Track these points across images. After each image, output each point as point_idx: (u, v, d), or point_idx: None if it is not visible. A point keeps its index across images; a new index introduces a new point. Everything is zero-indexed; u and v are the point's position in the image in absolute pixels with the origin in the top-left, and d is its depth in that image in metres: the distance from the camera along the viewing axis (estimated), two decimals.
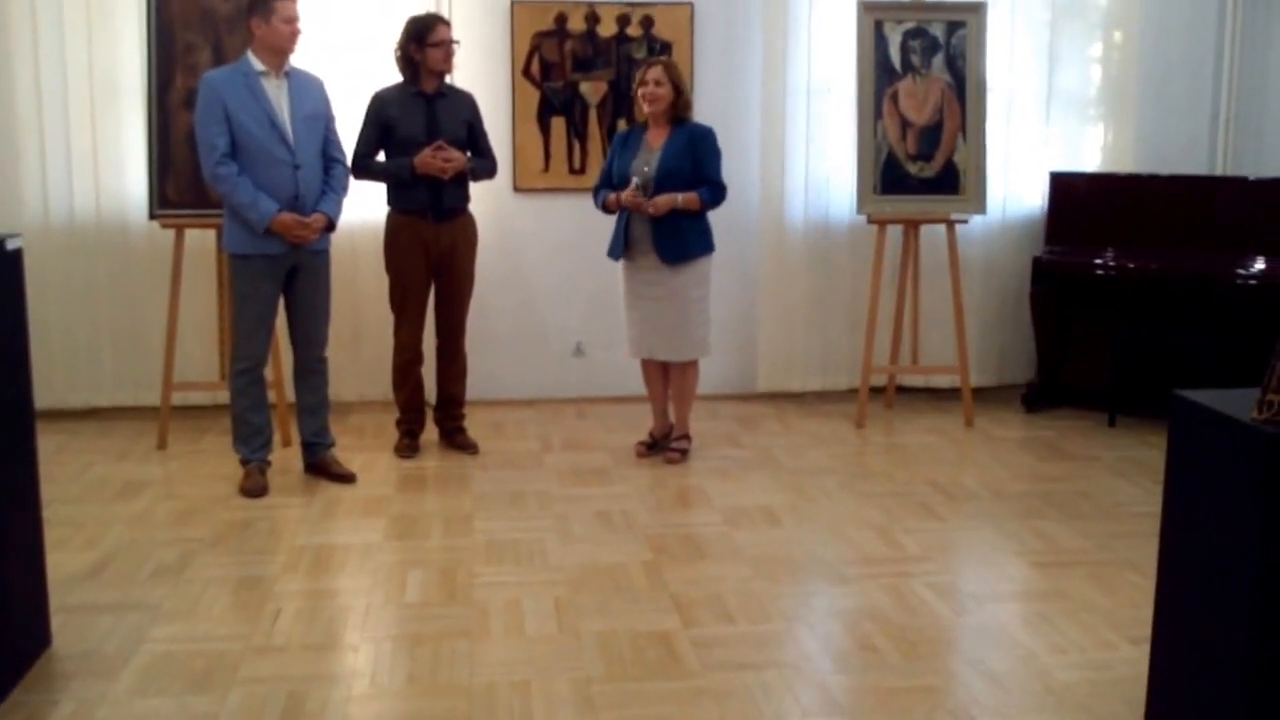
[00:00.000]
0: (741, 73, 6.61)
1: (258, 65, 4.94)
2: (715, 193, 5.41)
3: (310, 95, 5.07)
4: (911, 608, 3.93)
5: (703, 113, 6.21)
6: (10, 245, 3.36)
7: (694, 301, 5.45)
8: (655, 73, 5.35)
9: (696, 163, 5.36)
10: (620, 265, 5.53)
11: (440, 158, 5.32)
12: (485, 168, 5.59)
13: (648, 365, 5.66)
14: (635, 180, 5.32)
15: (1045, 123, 6.79)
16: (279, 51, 4.94)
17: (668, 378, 5.65)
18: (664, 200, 5.28)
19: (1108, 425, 6.24)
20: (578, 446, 5.86)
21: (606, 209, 5.47)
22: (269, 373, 5.32)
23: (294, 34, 4.93)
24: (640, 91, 5.38)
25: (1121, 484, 5.31)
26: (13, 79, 6.03)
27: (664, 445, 5.70)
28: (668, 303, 5.43)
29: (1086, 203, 6.51)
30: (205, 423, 6.13)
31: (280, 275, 5.04)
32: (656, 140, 5.41)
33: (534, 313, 6.64)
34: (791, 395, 6.84)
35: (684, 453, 5.64)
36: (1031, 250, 6.62)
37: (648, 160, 5.38)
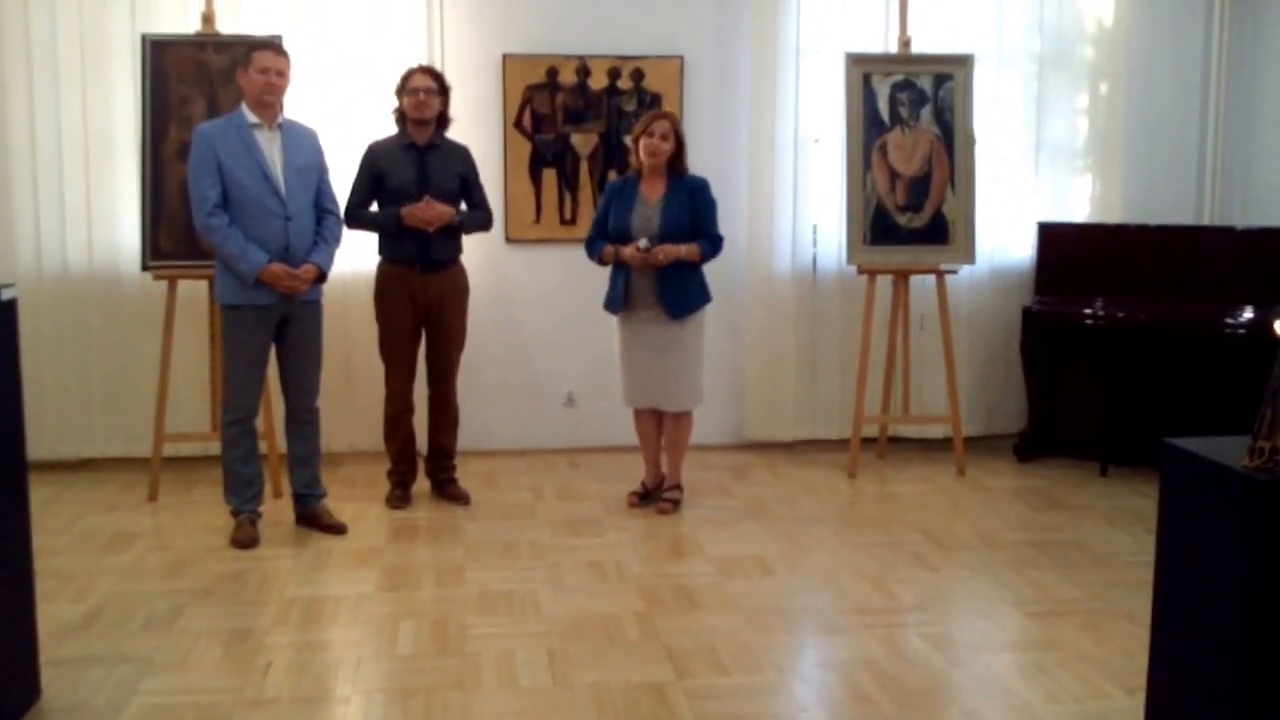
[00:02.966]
0: (731, 124, 6.67)
1: (250, 118, 4.98)
2: (714, 245, 5.46)
3: (303, 147, 5.10)
4: (906, 658, 3.92)
5: (694, 164, 6.25)
6: (5, 296, 3.37)
7: (693, 352, 5.48)
8: (663, 126, 5.37)
9: (695, 215, 5.40)
10: (616, 317, 5.53)
11: (426, 211, 5.34)
12: (478, 220, 5.62)
13: (642, 415, 5.66)
14: (644, 242, 5.31)
15: (1034, 174, 6.85)
16: (257, 102, 4.98)
17: (661, 428, 5.65)
18: (669, 250, 5.30)
19: (1100, 474, 6.25)
20: (570, 497, 5.85)
21: (604, 262, 5.47)
22: (260, 423, 5.31)
23: (268, 85, 4.96)
24: (644, 144, 5.37)
25: (1114, 533, 5.31)
26: (8, 129, 6.07)
27: (656, 496, 5.69)
28: (669, 354, 5.45)
29: (1075, 253, 6.55)
30: (197, 474, 6.11)
31: (271, 326, 5.05)
32: (652, 193, 5.43)
33: (526, 363, 6.65)
34: (783, 445, 6.84)
35: (676, 503, 5.62)
36: (1021, 300, 6.66)
37: (645, 214, 5.39)
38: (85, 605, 4.37)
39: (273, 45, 5.23)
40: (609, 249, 5.41)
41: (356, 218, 5.48)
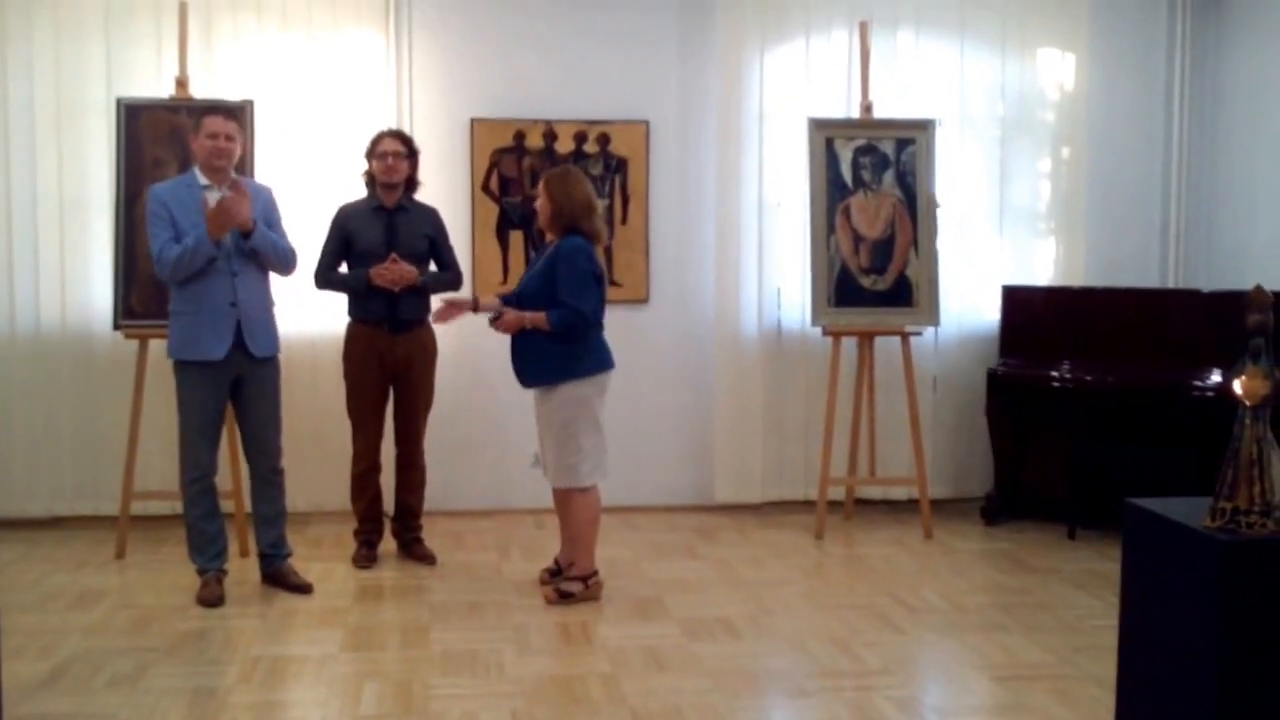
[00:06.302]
0: (696, 187, 6.76)
1: (202, 179, 5.04)
2: (565, 316, 4.97)
3: (253, 205, 5.06)
4: None
5: (657, 226, 6.36)
6: None
7: (558, 429, 5.06)
8: (539, 187, 5.21)
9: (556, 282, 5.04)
10: None
11: (393, 270, 5.36)
12: (444, 280, 5.65)
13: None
14: (495, 298, 5.27)
15: (997, 236, 6.95)
16: (207, 165, 5.04)
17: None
18: (511, 319, 5.05)
19: (1067, 537, 6.28)
20: (536, 557, 5.82)
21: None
22: (227, 482, 5.29)
23: (216, 149, 5.02)
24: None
25: (1082, 596, 5.33)
26: (2, 192, 6.17)
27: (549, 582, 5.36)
28: (540, 424, 5.20)
29: (1040, 316, 6.63)
30: (165, 532, 6.08)
31: (223, 384, 5.05)
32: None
33: (493, 423, 6.65)
34: (749, 506, 6.85)
35: (563, 594, 5.13)
36: (986, 362, 6.72)
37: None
38: (50, 663, 4.33)
39: (222, 110, 5.34)
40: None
41: (326, 279, 5.52)
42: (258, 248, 5.01)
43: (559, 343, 5.00)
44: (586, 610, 5.04)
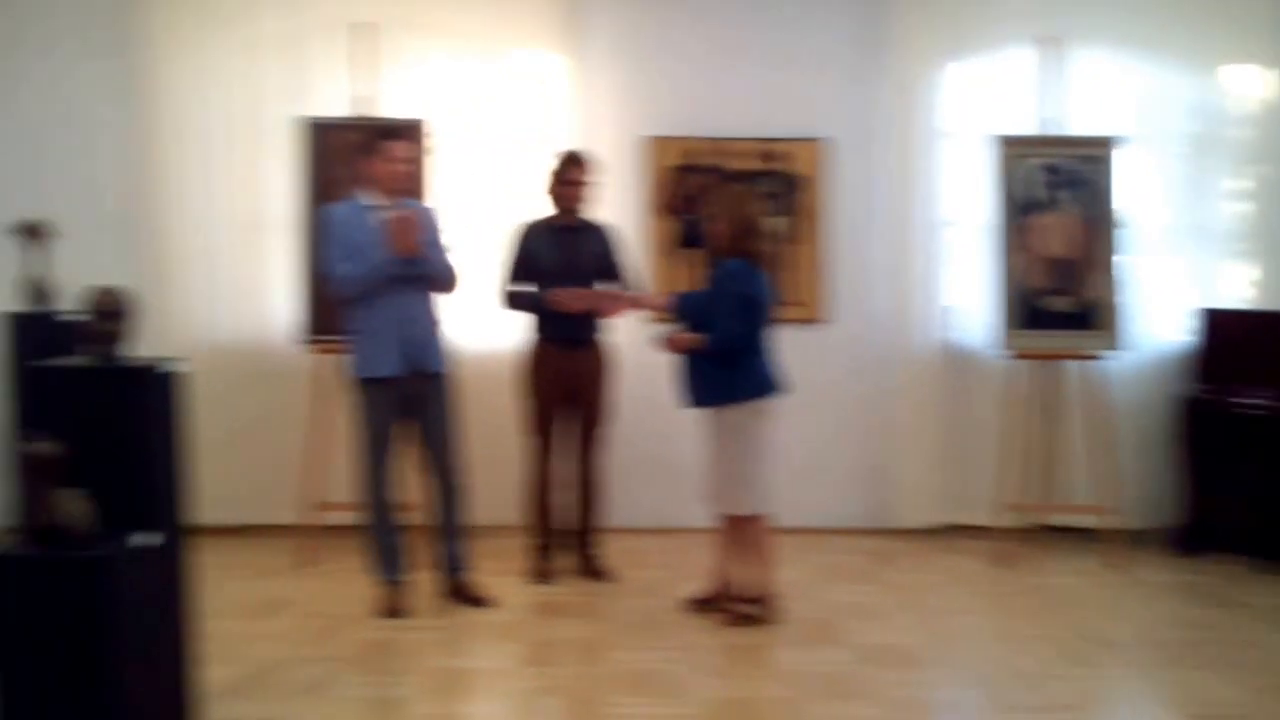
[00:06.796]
0: (873, 205, 6.65)
1: (370, 200, 5.13)
2: (718, 340, 4.97)
3: (422, 226, 5.14)
4: None
5: (834, 245, 6.31)
6: (176, 369, 3.52)
7: (717, 454, 5.06)
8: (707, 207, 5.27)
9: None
10: None
11: (570, 296, 5.40)
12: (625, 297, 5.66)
13: None
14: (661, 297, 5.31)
15: (1187, 257, 6.65)
16: (387, 190, 5.12)
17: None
18: (675, 340, 5.08)
19: (1262, 571, 5.99)
20: (710, 578, 5.77)
21: None
22: (410, 495, 5.38)
23: (394, 174, 5.12)
24: None
25: (1276, 633, 5.07)
26: (181, 211, 6.45)
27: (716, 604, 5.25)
28: (706, 447, 5.17)
29: (1242, 340, 6.32)
30: (345, 542, 6.20)
31: (398, 400, 5.14)
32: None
33: (671, 441, 6.60)
34: (928, 531, 6.69)
35: (740, 617, 5.07)
36: (1175, 387, 6.45)
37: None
38: (238, 669, 4.46)
39: (402, 133, 5.41)
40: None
41: (509, 297, 5.60)
42: (424, 269, 5.11)
43: (716, 366, 4.98)
44: (760, 633, 4.98)
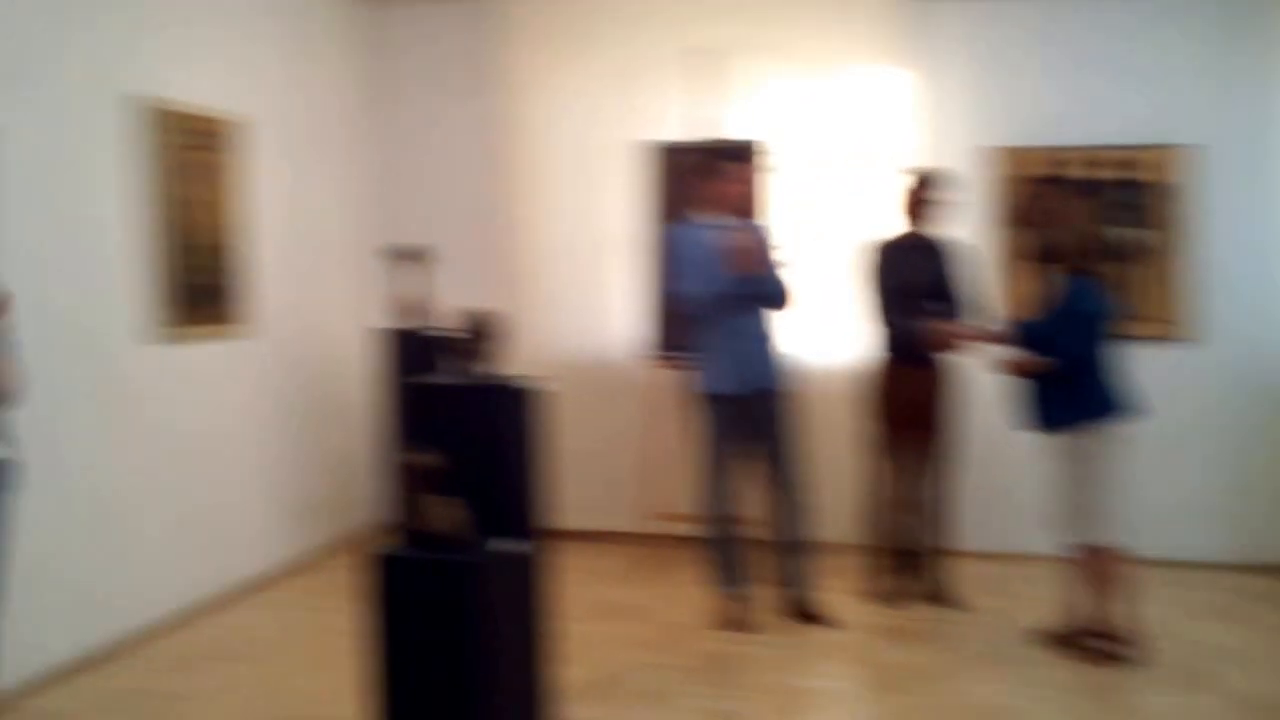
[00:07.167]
0: (1249, 215, 6.18)
1: (706, 219, 5.22)
2: (1056, 361, 4.80)
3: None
4: None
5: (1214, 254, 5.92)
6: (545, 387, 3.74)
7: (1063, 479, 4.86)
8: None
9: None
10: None
11: (943, 330, 5.28)
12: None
13: None
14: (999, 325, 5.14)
15: None
16: (731, 210, 5.21)
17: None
18: (1009, 362, 4.93)
19: None
20: (1063, 610, 5.47)
21: None
22: (752, 510, 5.40)
23: (740, 195, 5.20)
24: None
25: None
26: (535, 235, 6.82)
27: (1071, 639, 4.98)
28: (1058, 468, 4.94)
29: None
30: (684, 553, 6.29)
31: (739, 416, 5.19)
32: None
33: (1019, 465, 6.31)
34: None
35: (1100, 654, 4.81)
36: None
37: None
38: (582, 671, 4.54)
39: (744, 155, 5.47)
40: None
41: (886, 320, 5.46)
42: (760, 287, 5.15)
43: (1057, 387, 4.78)
44: (1118, 672, 4.70)
